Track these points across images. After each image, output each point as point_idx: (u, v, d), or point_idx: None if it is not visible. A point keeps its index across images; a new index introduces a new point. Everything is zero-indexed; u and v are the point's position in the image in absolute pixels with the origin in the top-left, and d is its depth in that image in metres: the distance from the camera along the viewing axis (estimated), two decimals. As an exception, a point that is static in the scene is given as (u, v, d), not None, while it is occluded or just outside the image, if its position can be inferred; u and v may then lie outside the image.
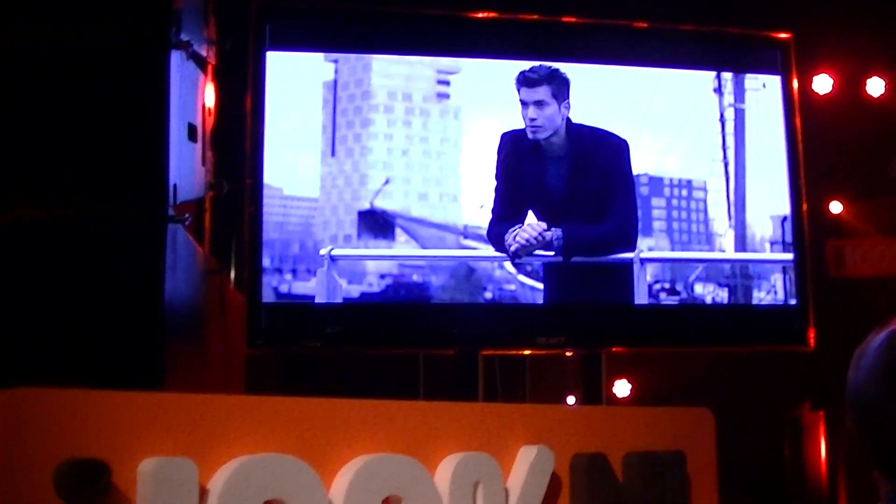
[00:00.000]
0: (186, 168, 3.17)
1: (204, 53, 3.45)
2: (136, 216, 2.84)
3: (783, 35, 4.68)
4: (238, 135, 4.08)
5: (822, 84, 5.40)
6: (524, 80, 4.35)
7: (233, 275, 4.30)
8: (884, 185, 5.57)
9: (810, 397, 5.34)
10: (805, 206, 4.64)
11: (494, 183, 4.40)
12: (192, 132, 3.23)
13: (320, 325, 4.14)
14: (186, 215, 3.06)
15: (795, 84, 4.67)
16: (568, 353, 4.64)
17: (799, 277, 4.56)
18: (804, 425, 5.37)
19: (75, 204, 2.79)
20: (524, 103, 4.35)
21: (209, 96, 3.59)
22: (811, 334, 4.49)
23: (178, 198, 3.00)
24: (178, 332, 3.04)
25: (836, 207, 5.60)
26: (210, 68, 3.57)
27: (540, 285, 4.42)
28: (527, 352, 4.47)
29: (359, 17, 4.41)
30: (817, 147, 4.94)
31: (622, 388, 5.20)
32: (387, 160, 4.42)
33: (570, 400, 4.93)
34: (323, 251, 4.26)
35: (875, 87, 5.49)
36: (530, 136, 4.35)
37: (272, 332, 4.09)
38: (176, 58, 2.98)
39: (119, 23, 2.85)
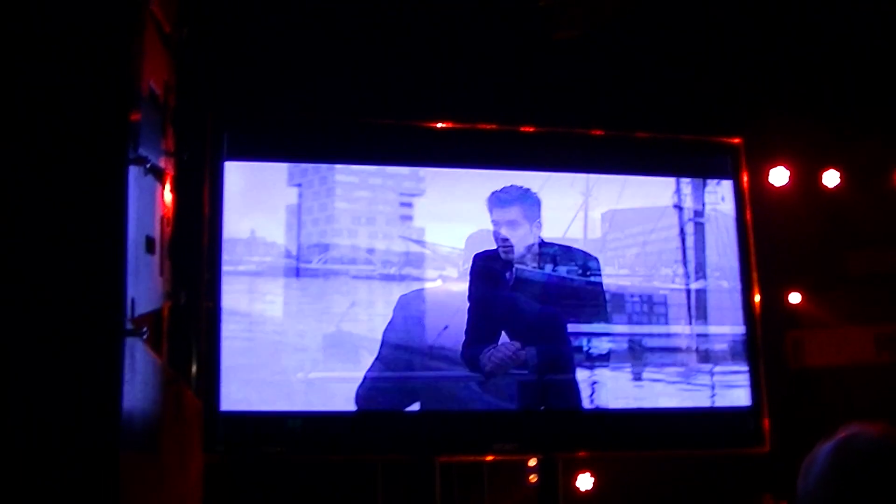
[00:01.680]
0: (144, 281, 3.17)
1: (162, 165, 3.47)
2: (94, 332, 2.83)
3: (734, 140, 4.79)
4: (198, 240, 4.09)
5: (779, 176, 5.46)
6: (496, 201, 4.36)
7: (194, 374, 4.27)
8: (841, 275, 5.61)
9: (771, 491, 5.33)
10: (757, 302, 4.71)
11: (467, 304, 4.41)
12: (149, 245, 3.24)
13: (279, 431, 4.13)
14: (144, 328, 3.06)
15: (746, 183, 4.77)
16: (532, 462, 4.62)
17: (753, 377, 4.62)
18: (766, 518, 5.35)
19: (33, 319, 2.79)
20: (496, 224, 4.37)
21: (167, 206, 3.60)
22: (766, 434, 4.53)
23: (136, 311, 3.00)
24: (134, 447, 3.02)
25: (794, 298, 5.61)
26: (168, 178, 3.59)
27: (506, 405, 4.43)
28: (489, 458, 4.46)
29: (316, 127, 4.44)
30: (776, 238, 5.01)
31: (585, 481, 5.17)
32: (351, 283, 4.43)
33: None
34: (299, 375, 4.27)
35: (831, 178, 5.56)
36: (503, 256, 4.37)
37: (231, 438, 4.07)
38: (133, 173, 3.00)
39: (77, 140, 2.87)
